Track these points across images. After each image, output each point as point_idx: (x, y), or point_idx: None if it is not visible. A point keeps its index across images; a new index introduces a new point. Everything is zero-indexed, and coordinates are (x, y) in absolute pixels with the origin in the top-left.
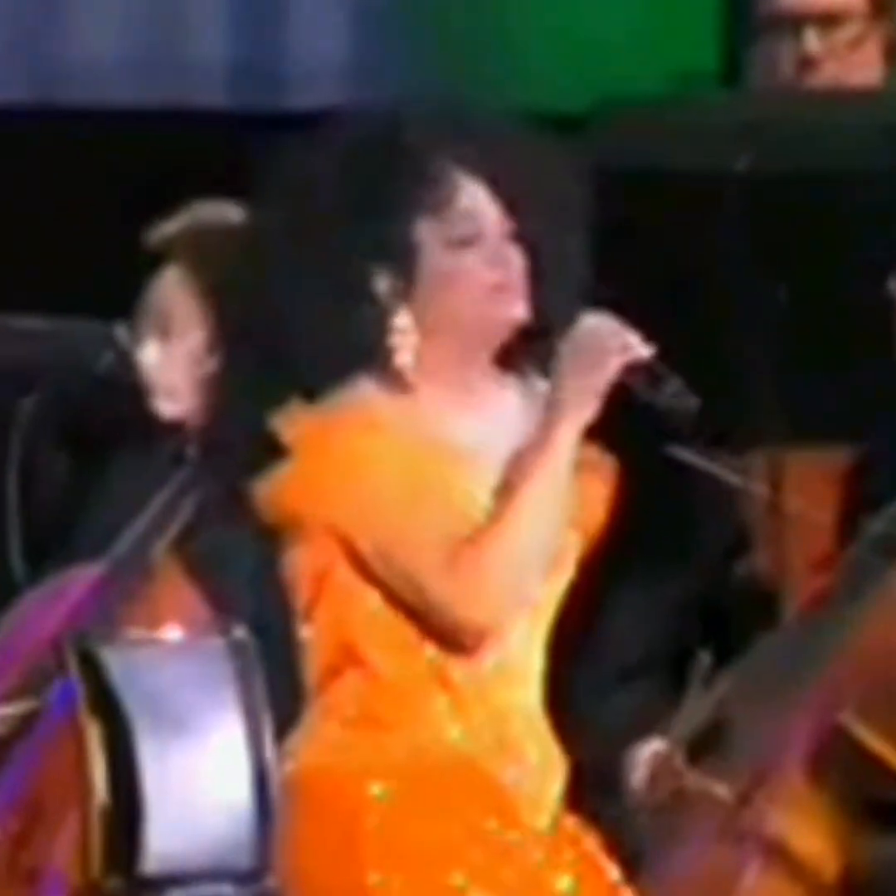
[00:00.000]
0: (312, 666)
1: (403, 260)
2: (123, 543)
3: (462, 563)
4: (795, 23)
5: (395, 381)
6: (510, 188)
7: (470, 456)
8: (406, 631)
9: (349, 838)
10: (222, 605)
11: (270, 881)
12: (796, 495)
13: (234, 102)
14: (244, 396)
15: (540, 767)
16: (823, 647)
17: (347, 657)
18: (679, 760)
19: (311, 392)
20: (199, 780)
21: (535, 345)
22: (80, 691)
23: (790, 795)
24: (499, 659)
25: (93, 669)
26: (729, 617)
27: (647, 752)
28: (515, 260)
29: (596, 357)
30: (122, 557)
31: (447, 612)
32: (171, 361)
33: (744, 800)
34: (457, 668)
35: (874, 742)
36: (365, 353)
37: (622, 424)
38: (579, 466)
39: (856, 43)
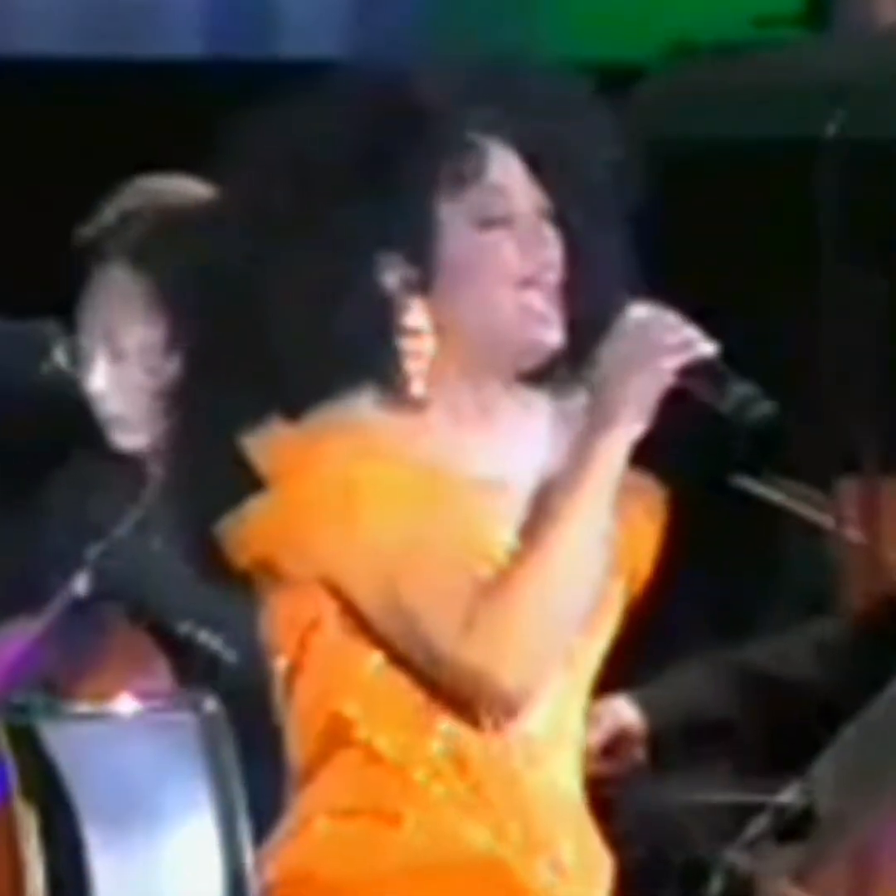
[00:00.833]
0: (297, 745)
1: (418, 245)
2: (66, 593)
3: (483, 617)
4: None
5: (400, 395)
6: (549, 159)
7: (492, 488)
8: (414, 701)
9: None
10: (189, 671)
11: None
12: None
13: (211, 51)
14: (211, 416)
15: (579, 868)
16: None
17: (340, 734)
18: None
19: (296, 410)
20: (161, 879)
21: (574, 346)
22: (12, 772)
23: None
24: (527, 732)
25: (28, 747)
26: (810, 689)
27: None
28: (552, 247)
29: (647, 357)
30: (64, 610)
31: (466, 678)
32: (126, 387)
33: None
34: (476, 746)
35: None
36: (365, 360)
37: (674, 445)
38: (621, 496)
39: None
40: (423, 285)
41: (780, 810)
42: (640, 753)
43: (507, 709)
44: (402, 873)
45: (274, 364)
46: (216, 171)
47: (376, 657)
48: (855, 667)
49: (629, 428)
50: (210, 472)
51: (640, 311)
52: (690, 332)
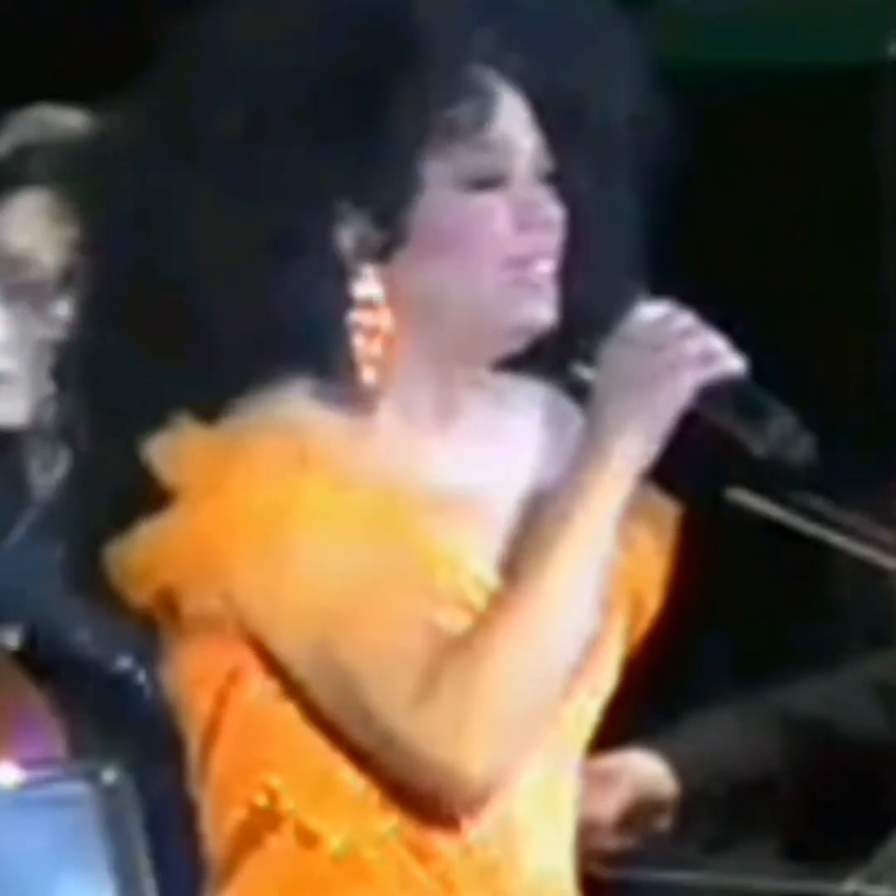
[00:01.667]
0: (214, 830)
1: (390, 202)
2: None
3: (443, 687)
4: None
5: (347, 388)
6: (556, 103)
7: (458, 505)
8: (361, 785)
9: None
10: (84, 732)
11: None
12: None
13: None
14: (107, 408)
15: None
16: None
17: (267, 813)
18: None
19: (214, 404)
20: None
21: (564, 339)
22: None
23: None
24: (507, 811)
25: None
26: (871, 739)
27: None
28: (552, 219)
29: (661, 370)
30: None
31: (418, 765)
32: (15, 338)
33: None
34: (440, 834)
35: None
36: (303, 340)
37: (688, 459)
38: (628, 518)
39: None
40: (384, 250)
41: None
42: (663, 823)
43: (469, 805)
44: None
45: (188, 344)
46: (146, 89)
47: (309, 731)
48: None
49: (634, 458)
50: (105, 470)
51: (652, 311)
52: (715, 341)
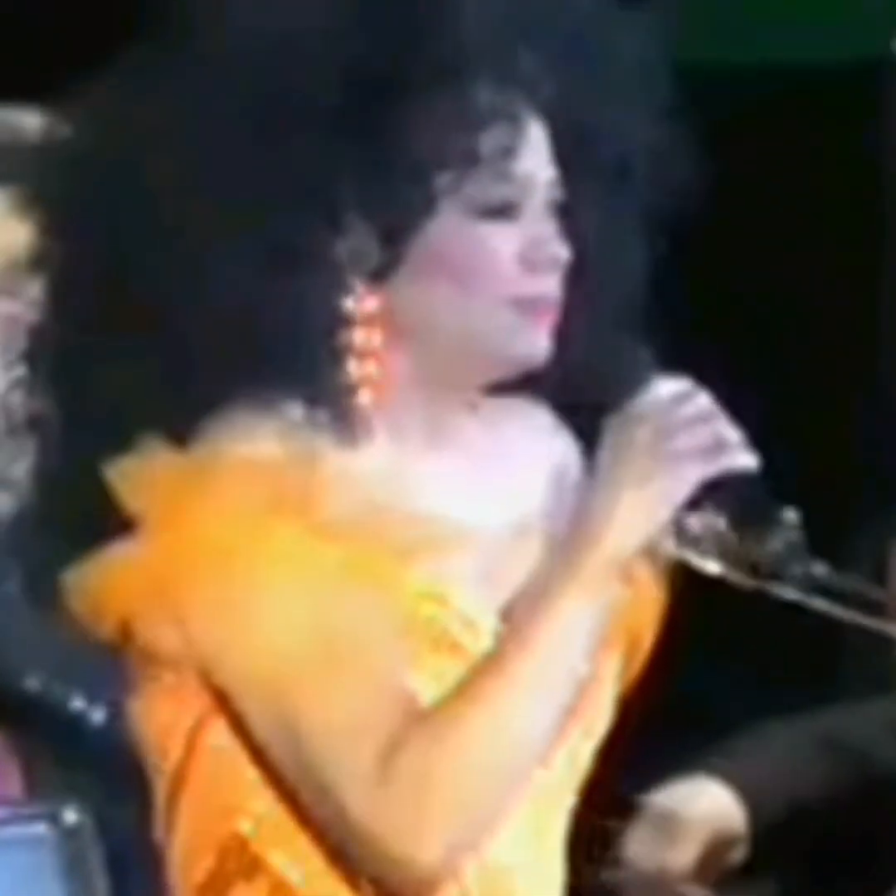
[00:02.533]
0: (182, 881)
1: (400, 220)
2: None
3: (406, 770)
4: None
5: (335, 413)
6: (570, 127)
7: (451, 538)
8: (323, 848)
9: None
10: (42, 774)
11: None
12: None
13: None
14: (76, 418)
15: None
16: None
17: (239, 861)
18: None
19: (185, 427)
20: None
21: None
22: None
23: None
24: (490, 862)
25: None
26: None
27: None
28: (560, 256)
29: (665, 461)
30: None
31: (376, 848)
32: None
33: None
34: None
35: None
36: (291, 356)
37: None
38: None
39: None
40: (383, 269)
41: None
42: (734, 859)
43: (419, 890)
44: None
45: (160, 361)
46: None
47: (269, 790)
48: None
49: (627, 547)
50: (63, 503)
51: (665, 388)
52: (728, 431)
